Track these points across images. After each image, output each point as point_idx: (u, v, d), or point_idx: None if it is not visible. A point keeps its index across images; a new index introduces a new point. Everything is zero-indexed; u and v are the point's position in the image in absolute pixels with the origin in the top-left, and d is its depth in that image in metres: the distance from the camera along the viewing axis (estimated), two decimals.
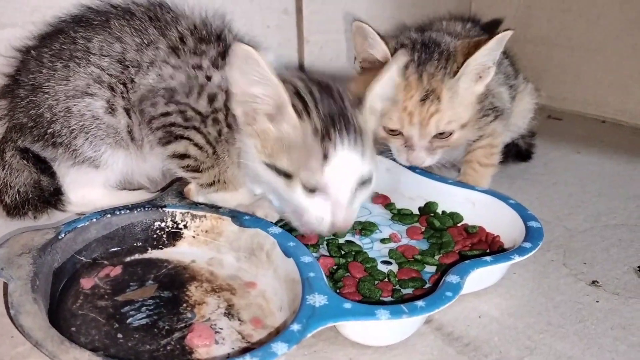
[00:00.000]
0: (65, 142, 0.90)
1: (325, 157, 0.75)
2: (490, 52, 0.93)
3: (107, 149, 0.90)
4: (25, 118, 0.91)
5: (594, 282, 0.83)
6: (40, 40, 0.94)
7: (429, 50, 0.97)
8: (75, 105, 0.88)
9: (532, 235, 0.81)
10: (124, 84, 0.89)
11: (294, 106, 0.77)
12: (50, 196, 0.95)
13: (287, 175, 0.78)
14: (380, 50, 0.96)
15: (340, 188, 0.76)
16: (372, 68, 0.96)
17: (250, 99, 0.80)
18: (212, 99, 0.87)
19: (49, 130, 0.89)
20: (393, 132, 0.98)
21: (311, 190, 0.77)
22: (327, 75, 0.87)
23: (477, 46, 0.93)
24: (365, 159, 0.78)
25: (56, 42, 0.91)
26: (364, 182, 0.79)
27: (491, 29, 1.27)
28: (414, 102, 0.94)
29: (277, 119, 0.78)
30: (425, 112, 0.94)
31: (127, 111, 0.90)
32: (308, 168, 0.75)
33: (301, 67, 0.96)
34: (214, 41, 0.90)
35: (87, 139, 0.89)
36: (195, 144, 0.88)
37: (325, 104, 0.78)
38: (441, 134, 0.96)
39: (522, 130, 1.22)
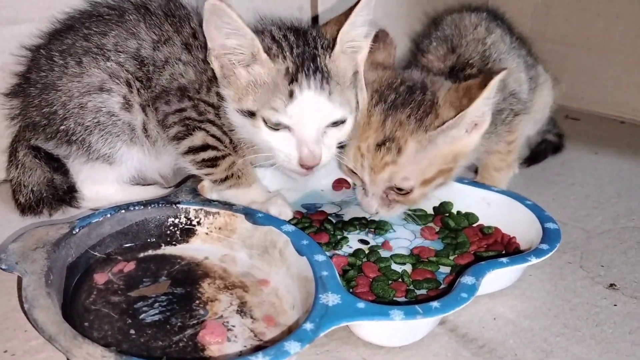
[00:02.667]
0: (79, 139, 0.90)
1: (291, 96, 0.78)
2: (486, 101, 0.80)
3: (122, 145, 0.91)
4: (38, 116, 0.91)
5: (611, 285, 0.82)
6: (50, 37, 0.94)
7: (411, 97, 0.84)
8: (90, 101, 0.88)
9: (549, 236, 0.80)
10: (141, 81, 0.89)
11: (268, 49, 0.80)
12: (64, 194, 0.95)
13: (252, 114, 0.81)
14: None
15: (304, 125, 0.80)
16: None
17: (227, 51, 0.81)
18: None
19: (62, 127, 0.89)
20: (352, 171, 0.89)
21: (274, 127, 0.80)
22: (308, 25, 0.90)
23: (469, 97, 0.79)
24: (333, 100, 0.80)
25: (67, 38, 0.90)
26: (336, 124, 0.82)
27: None
28: (367, 145, 0.84)
29: (251, 65, 0.81)
30: (379, 159, 0.83)
31: (143, 108, 0.90)
32: (273, 106, 0.79)
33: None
34: None
35: (102, 135, 0.89)
36: (212, 135, 0.88)
37: (299, 48, 0.81)
38: (399, 189, 0.85)
39: (541, 122, 1.19)
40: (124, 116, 0.89)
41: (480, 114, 0.82)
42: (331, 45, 0.83)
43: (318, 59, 0.81)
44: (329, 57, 0.82)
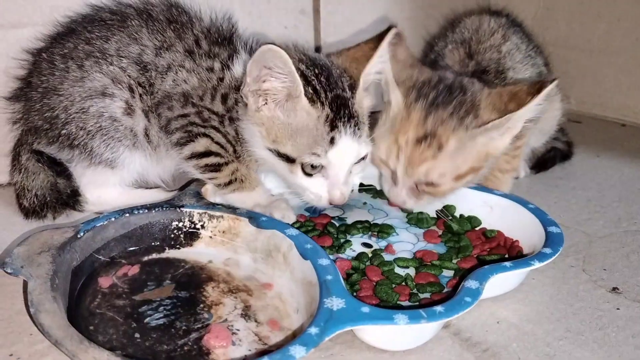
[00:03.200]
0: (81, 144, 0.90)
1: (331, 143, 0.81)
2: (535, 108, 0.82)
3: (124, 150, 0.91)
4: (40, 121, 0.91)
5: (614, 288, 0.82)
6: (52, 41, 0.93)
7: (451, 96, 0.87)
8: (92, 105, 0.88)
9: (552, 240, 0.80)
10: (143, 86, 0.89)
11: (306, 94, 0.80)
12: (67, 198, 0.95)
13: (290, 160, 0.83)
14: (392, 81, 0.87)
15: (339, 170, 0.83)
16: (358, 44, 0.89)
17: (266, 90, 0.81)
18: (225, 98, 0.88)
19: (63, 132, 0.90)
20: (383, 161, 0.91)
21: (310, 173, 0.83)
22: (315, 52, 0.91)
23: (518, 102, 0.82)
24: (361, 142, 0.84)
25: (69, 42, 0.90)
26: (359, 160, 0.86)
27: None
28: (407, 139, 0.86)
29: (287, 107, 0.81)
30: (418, 154, 0.85)
31: (146, 113, 0.90)
32: (313, 152, 0.81)
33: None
34: (227, 44, 0.91)
35: (104, 140, 0.89)
36: (217, 142, 0.88)
37: (332, 92, 0.82)
38: (430, 183, 0.88)
39: (549, 134, 1.20)
40: (125, 121, 0.89)
41: (523, 119, 0.84)
42: (355, 86, 0.85)
43: (349, 103, 0.83)
44: (355, 99, 0.84)
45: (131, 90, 0.88)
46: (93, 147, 0.90)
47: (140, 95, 0.89)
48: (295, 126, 0.81)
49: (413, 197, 0.90)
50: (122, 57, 0.88)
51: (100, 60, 0.88)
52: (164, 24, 0.90)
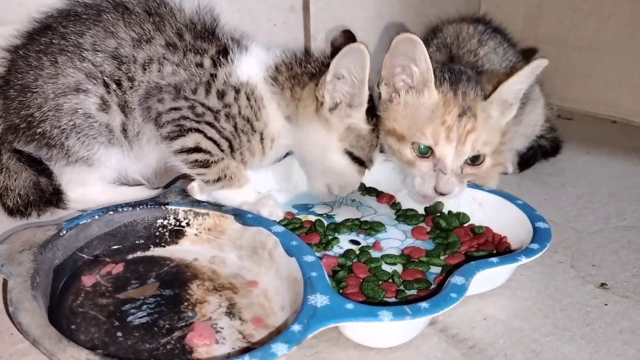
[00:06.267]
0: (57, 143, 0.89)
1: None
2: (524, 78, 0.88)
3: (99, 147, 0.90)
4: (17, 119, 0.89)
5: (602, 284, 0.82)
6: (28, 37, 0.92)
7: (458, 75, 0.92)
8: (66, 102, 0.87)
9: (540, 236, 0.80)
10: (119, 81, 0.87)
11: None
12: (50, 196, 0.94)
13: (361, 163, 0.92)
14: (424, 69, 0.88)
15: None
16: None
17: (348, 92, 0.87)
18: (221, 95, 0.87)
19: (39, 130, 0.88)
20: (422, 154, 0.90)
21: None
22: None
23: (509, 74, 0.89)
24: None
25: (43, 38, 0.89)
26: None
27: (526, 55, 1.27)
28: (453, 117, 0.87)
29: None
30: (462, 128, 0.87)
31: (122, 108, 0.89)
32: (374, 157, 0.94)
33: None
34: (212, 38, 0.90)
35: (79, 138, 0.88)
36: (210, 138, 0.87)
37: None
38: (474, 160, 0.90)
39: (530, 139, 1.22)
40: (100, 117, 0.88)
41: (517, 91, 0.91)
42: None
43: None
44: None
45: (106, 85, 0.87)
46: (69, 145, 0.88)
47: (115, 90, 0.87)
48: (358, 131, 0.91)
49: (459, 185, 0.91)
50: (98, 51, 0.87)
51: (74, 55, 0.87)
52: (142, 16, 0.89)
